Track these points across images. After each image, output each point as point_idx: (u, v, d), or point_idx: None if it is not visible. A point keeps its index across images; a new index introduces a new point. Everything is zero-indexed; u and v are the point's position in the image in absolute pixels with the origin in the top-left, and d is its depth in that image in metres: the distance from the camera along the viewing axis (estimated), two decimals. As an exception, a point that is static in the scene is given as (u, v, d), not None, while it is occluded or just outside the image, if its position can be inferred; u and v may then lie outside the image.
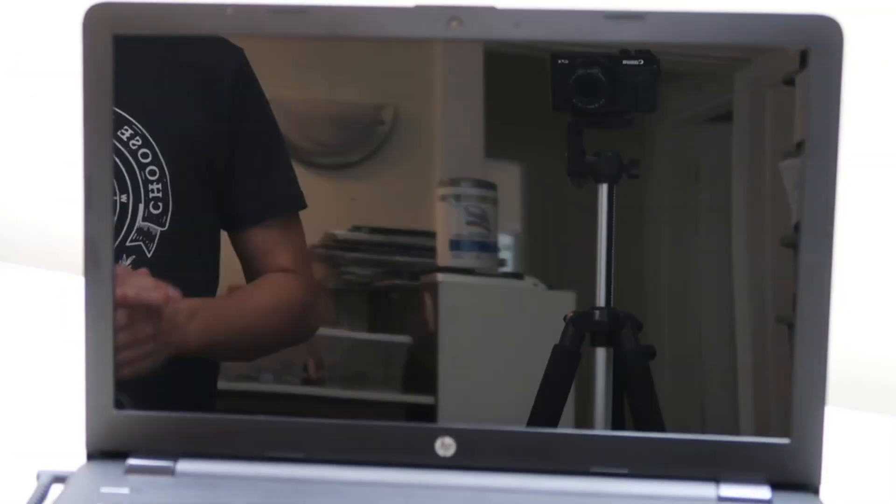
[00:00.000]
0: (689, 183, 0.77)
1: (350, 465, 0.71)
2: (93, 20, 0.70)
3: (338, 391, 0.79)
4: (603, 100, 0.72)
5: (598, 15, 0.68)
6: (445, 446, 0.71)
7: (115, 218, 0.73)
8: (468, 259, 0.77)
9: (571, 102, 0.72)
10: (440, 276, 0.77)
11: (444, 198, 0.77)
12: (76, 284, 0.74)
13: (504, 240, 0.78)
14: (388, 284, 0.79)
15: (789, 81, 0.69)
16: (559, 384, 0.74)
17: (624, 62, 0.72)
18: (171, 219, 0.75)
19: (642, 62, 0.71)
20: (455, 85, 0.76)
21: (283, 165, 0.74)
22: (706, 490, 0.69)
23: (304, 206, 0.75)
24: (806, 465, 0.68)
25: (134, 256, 0.76)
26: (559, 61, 0.72)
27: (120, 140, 0.74)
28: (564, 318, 0.74)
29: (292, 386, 0.79)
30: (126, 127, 0.74)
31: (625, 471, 0.70)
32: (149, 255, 0.75)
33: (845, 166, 0.68)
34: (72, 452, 0.72)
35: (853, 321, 1.03)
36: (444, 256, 0.77)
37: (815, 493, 0.69)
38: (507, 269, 0.78)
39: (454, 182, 0.77)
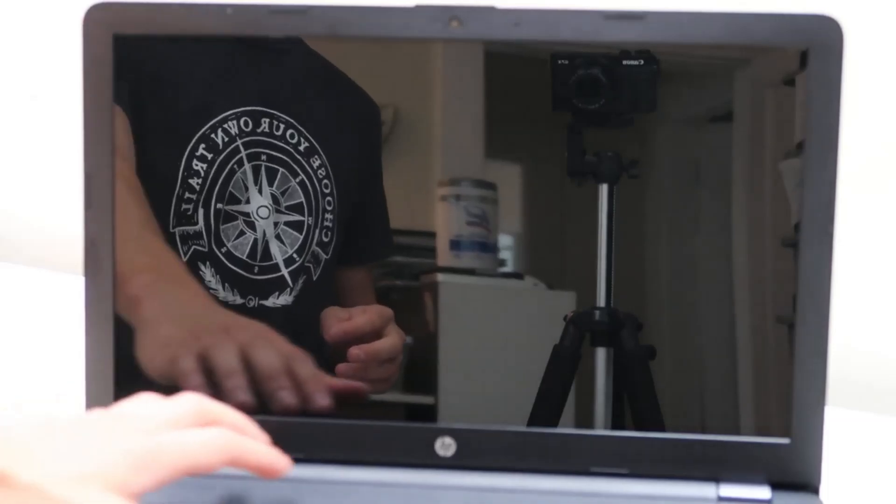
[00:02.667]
0: (689, 183, 0.76)
1: (350, 465, 0.71)
2: (93, 20, 0.70)
3: (338, 391, 0.79)
4: (603, 100, 0.72)
5: (598, 15, 0.68)
6: (445, 446, 0.71)
7: (302, 238, 0.76)
8: (468, 259, 0.77)
9: (571, 102, 0.72)
10: (440, 276, 0.77)
11: (444, 198, 0.77)
12: (76, 284, 0.74)
13: (504, 240, 0.78)
14: (388, 284, 0.79)
15: (789, 81, 0.69)
16: (559, 384, 0.74)
17: (624, 62, 0.72)
18: (332, 249, 0.78)
19: (642, 62, 0.71)
20: (455, 85, 0.76)
21: (386, 213, 0.76)
22: (706, 490, 0.69)
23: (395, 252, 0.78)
24: (806, 465, 0.68)
25: (305, 276, 0.77)
26: (559, 61, 0.72)
27: (311, 167, 0.77)
28: (564, 318, 0.74)
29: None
30: (316, 157, 0.77)
31: (625, 471, 0.70)
32: (314, 279, 0.77)
33: (845, 166, 0.68)
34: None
35: (853, 321, 1.03)
36: (444, 256, 0.77)
37: (815, 493, 0.69)
38: (507, 269, 0.78)
39: (454, 182, 0.77)
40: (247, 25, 0.70)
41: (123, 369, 0.72)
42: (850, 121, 0.69)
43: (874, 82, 1.06)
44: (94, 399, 0.72)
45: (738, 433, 0.72)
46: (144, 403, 0.59)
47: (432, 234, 0.78)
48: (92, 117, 0.71)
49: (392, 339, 0.75)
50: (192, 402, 0.59)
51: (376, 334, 0.75)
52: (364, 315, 0.75)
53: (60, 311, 1.11)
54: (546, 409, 0.74)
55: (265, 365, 0.71)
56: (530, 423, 0.73)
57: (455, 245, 0.77)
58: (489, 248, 0.77)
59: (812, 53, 0.66)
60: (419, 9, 0.69)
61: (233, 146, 0.75)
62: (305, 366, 0.72)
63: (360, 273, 0.79)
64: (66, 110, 0.89)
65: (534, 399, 0.74)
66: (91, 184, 0.71)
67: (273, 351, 0.71)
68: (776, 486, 0.69)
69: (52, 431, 0.54)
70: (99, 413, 0.57)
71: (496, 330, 0.79)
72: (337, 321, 0.75)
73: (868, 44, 0.92)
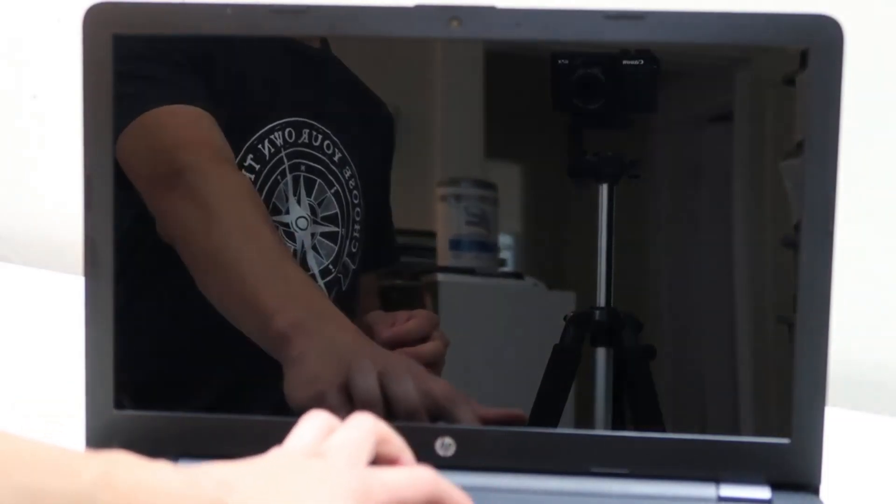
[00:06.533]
0: (689, 183, 0.77)
1: (350, 465, 0.71)
2: (93, 20, 0.70)
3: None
4: (603, 100, 0.72)
5: (598, 15, 0.68)
6: (445, 446, 0.71)
7: (336, 249, 0.76)
8: (468, 259, 0.77)
9: (571, 102, 0.72)
10: (440, 276, 0.77)
11: (444, 198, 0.77)
12: (76, 285, 0.74)
13: (504, 240, 0.78)
14: (389, 284, 0.79)
15: (789, 81, 0.69)
16: (559, 384, 0.74)
17: (624, 62, 0.72)
18: (359, 259, 0.78)
19: (642, 62, 0.71)
20: (455, 85, 0.76)
21: (391, 218, 0.77)
22: (706, 490, 0.69)
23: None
24: (806, 465, 0.68)
25: (336, 287, 0.77)
26: (559, 61, 0.72)
27: (344, 177, 0.77)
28: (564, 318, 0.74)
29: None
30: (347, 167, 0.77)
31: (625, 471, 0.70)
32: (343, 289, 0.77)
33: (845, 166, 0.68)
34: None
35: (853, 321, 1.03)
36: (444, 256, 0.77)
37: (815, 493, 0.69)
38: (507, 269, 0.78)
39: (454, 182, 0.77)
40: (247, 25, 0.70)
41: (123, 369, 0.72)
42: (850, 121, 0.69)
43: (874, 82, 1.06)
44: (94, 399, 0.72)
45: (737, 433, 0.72)
46: (322, 429, 0.57)
47: (432, 234, 0.78)
48: (92, 117, 0.71)
49: (437, 344, 0.75)
50: (369, 424, 0.57)
51: (423, 339, 0.75)
52: (414, 320, 0.75)
53: (60, 311, 1.11)
54: (546, 409, 0.74)
55: (400, 396, 0.70)
56: (530, 423, 0.73)
57: (455, 245, 0.77)
58: (489, 247, 0.77)
59: (812, 53, 0.66)
60: (419, 9, 0.69)
61: (278, 157, 0.75)
62: (463, 406, 0.71)
63: (369, 278, 0.79)
64: (66, 110, 0.89)
65: (534, 399, 0.74)
66: (91, 184, 0.71)
67: (412, 385, 0.71)
68: (776, 486, 0.69)
69: (269, 474, 0.53)
70: (298, 451, 0.56)
71: (496, 330, 0.79)
72: (385, 326, 0.75)
73: (868, 44, 0.92)
